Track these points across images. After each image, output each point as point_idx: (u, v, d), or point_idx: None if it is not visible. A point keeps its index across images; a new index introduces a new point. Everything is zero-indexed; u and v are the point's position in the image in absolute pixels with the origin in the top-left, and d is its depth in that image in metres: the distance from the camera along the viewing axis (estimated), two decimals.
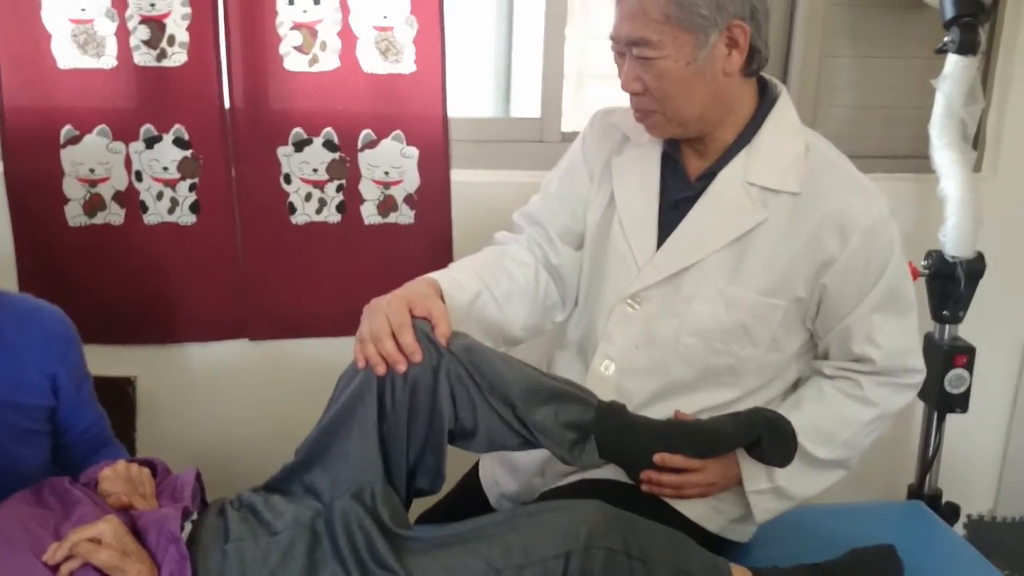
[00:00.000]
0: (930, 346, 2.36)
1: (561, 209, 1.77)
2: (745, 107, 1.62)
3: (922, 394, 2.39)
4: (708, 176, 1.63)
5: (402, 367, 1.46)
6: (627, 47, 1.53)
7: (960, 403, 2.34)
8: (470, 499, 1.84)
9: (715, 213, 1.62)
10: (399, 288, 1.56)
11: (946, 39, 2.18)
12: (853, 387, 1.67)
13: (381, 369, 1.46)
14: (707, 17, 1.48)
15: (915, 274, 2.28)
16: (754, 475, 1.64)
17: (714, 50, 1.51)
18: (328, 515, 1.46)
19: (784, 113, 1.64)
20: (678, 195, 1.65)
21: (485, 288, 1.66)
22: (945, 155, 2.25)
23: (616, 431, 1.55)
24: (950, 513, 2.42)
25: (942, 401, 2.34)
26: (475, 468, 1.92)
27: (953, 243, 2.25)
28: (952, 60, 2.19)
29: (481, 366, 1.50)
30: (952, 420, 2.39)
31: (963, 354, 2.31)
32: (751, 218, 1.59)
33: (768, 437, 1.55)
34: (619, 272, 1.68)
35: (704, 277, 1.62)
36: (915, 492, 2.44)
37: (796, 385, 1.74)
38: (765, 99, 1.63)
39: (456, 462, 1.78)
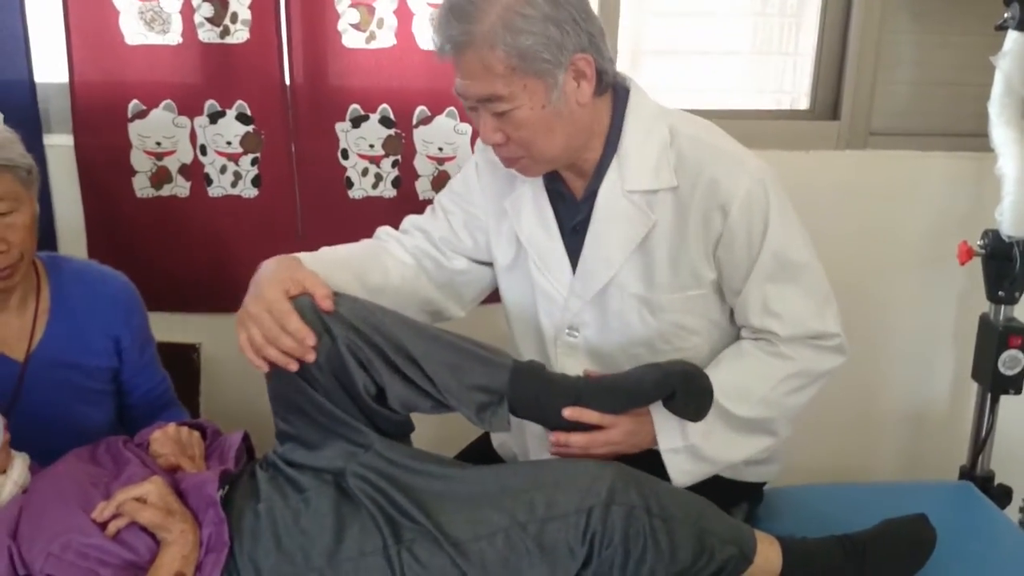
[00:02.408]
0: (985, 327, 2.33)
1: (460, 230, 1.79)
2: (603, 120, 1.62)
3: (976, 375, 2.37)
4: (592, 195, 1.64)
5: (310, 357, 1.45)
6: (479, 103, 1.52)
7: (1014, 384, 2.29)
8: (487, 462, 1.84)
9: (609, 229, 1.63)
10: (259, 275, 1.53)
11: (1006, 15, 2.13)
12: (768, 345, 1.65)
13: (293, 366, 1.46)
14: (551, 60, 1.48)
15: (971, 254, 2.26)
16: (668, 434, 1.61)
17: (564, 87, 1.51)
18: (344, 477, 1.51)
19: (639, 107, 1.63)
20: (572, 220, 1.67)
21: (354, 278, 1.64)
22: (1004, 133, 2.20)
23: (529, 391, 1.53)
24: (1002, 495, 2.38)
25: (996, 382, 2.29)
26: (486, 436, 1.96)
27: (1010, 222, 2.20)
28: (1012, 37, 2.14)
29: (380, 327, 1.49)
30: (1009, 402, 2.36)
31: (1018, 335, 2.26)
32: (642, 225, 1.61)
33: (682, 389, 1.52)
34: (549, 307, 1.71)
35: (623, 290, 1.64)
36: (967, 473, 2.41)
37: None
38: (618, 101, 1.62)
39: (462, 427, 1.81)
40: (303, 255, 1.60)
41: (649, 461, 1.61)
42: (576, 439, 1.55)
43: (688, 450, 1.62)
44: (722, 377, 1.60)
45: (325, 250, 1.69)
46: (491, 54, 1.47)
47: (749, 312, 1.64)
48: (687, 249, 1.61)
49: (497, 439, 1.93)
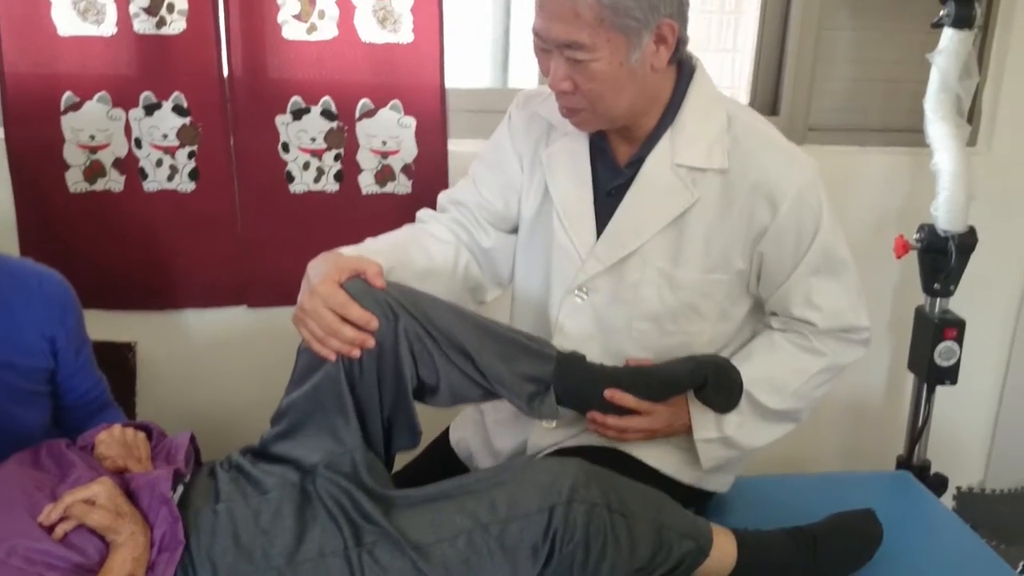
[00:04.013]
0: (921, 319, 2.38)
1: (492, 196, 1.78)
2: (666, 90, 1.62)
3: (912, 366, 2.42)
4: (637, 162, 1.64)
5: (371, 343, 1.48)
6: (557, 48, 1.51)
7: (950, 375, 2.35)
8: (443, 464, 1.85)
9: (648, 198, 1.63)
10: (307, 274, 1.54)
11: (942, 13, 2.19)
12: (801, 339, 1.70)
13: (356, 353, 1.48)
14: (640, 19, 1.47)
15: (907, 248, 2.30)
16: (703, 424, 1.67)
17: (645, 49, 1.51)
18: (313, 478, 1.49)
19: (702, 86, 1.64)
20: (610, 183, 1.67)
21: (399, 264, 1.65)
22: (939, 129, 2.25)
23: (573, 379, 1.58)
24: (938, 484, 2.44)
25: (932, 373, 2.35)
26: (445, 436, 1.95)
27: (945, 217, 2.26)
28: (948, 34, 2.19)
29: (434, 319, 1.52)
30: (943, 393, 2.41)
31: (953, 327, 2.32)
32: (684, 199, 1.61)
33: (713, 380, 1.58)
34: (564, 264, 1.70)
35: (646, 262, 1.64)
36: (904, 463, 2.46)
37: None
38: (682, 75, 1.63)
39: (424, 425, 1.80)
40: (344, 249, 1.62)
41: (612, 458, 1.63)
42: (612, 420, 1.61)
43: (721, 440, 1.68)
44: (756, 370, 1.65)
45: (367, 241, 1.70)
46: (584, 1, 1.45)
47: (791, 303, 1.67)
48: (724, 233, 1.62)
49: (455, 435, 1.92)
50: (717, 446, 1.69)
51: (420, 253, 1.71)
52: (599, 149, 1.69)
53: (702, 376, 1.58)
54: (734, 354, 1.73)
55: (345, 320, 1.47)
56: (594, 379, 1.59)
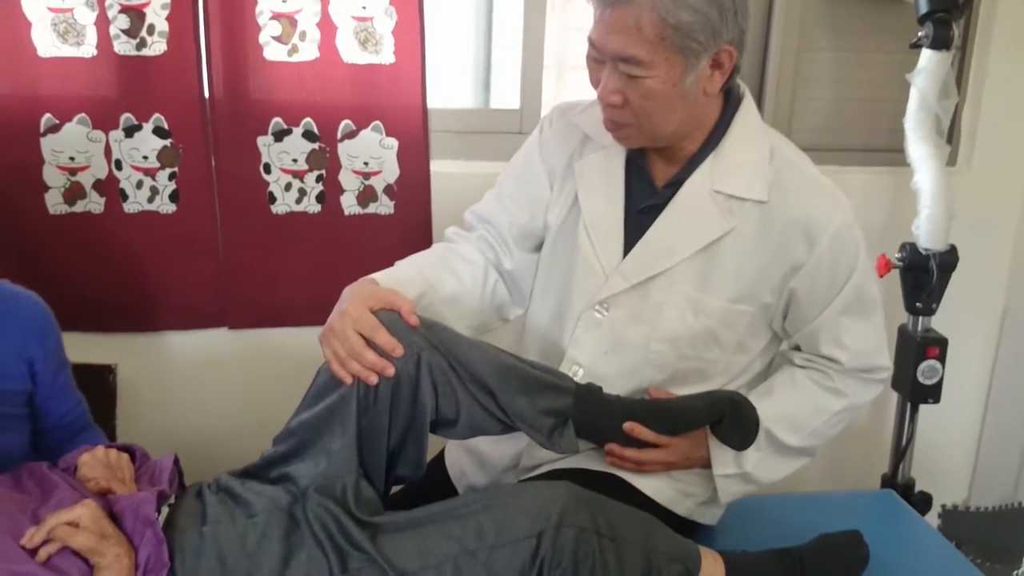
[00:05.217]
0: (903, 337, 2.39)
1: (517, 211, 1.76)
2: (712, 115, 1.62)
3: (895, 385, 2.42)
4: (675, 183, 1.63)
5: (390, 371, 1.47)
6: (612, 60, 1.50)
7: (933, 394, 2.36)
8: (436, 486, 1.84)
9: (683, 221, 1.62)
10: (342, 297, 1.56)
11: (920, 34, 2.20)
12: (823, 377, 1.70)
13: (374, 379, 1.48)
14: (702, 43, 1.47)
15: (889, 266, 2.31)
16: (723, 460, 1.67)
17: (700, 72, 1.50)
18: (303, 502, 1.48)
19: (748, 115, 1.63)
20: (644, 202, 1.65)
21: (430, 288, 1.65)
22: (919, 149, 2.27)
23: (591, 411, 1.57)
24: (922, 502, 2.44)
25: (915, 392, 2.36)
26: (440, 456, 1.93)
27: (926, 235, 2.27)
28: (926, 55, 2.21)
29: (460, 356, 1.51)
30: (927, 411, 2.42)
31: (936, 345, 2.33)
32: (719, 227, 1.60)
33: (729, 417, 1.58)
34: (586, 278, 1.68)
35: (673, 285, 1.62)
36: (888, 481, 2.46)
37: (760, 377, 1.76)
38: (729, 102, 1.63)
39: None
40: (377, 275, 1.63)
41: (605, 482, 1.62)
42: (630, 453, 1.61)
43: (740, 476, 1.68)
44: (777, 407, 1.66)
45: (398, 265, 1.70)
46: (648, 17, 1.44)
47: (820, 341, 1.67)
48: (756, 265, 1.61)
49: (451, 456, 1.91)
50: (736, 481, 1.69)
51: (450, 276, 1.71)
52: (636, 167, 1.67)
53: (718, 412, 1.57)
54: (747, 385, 1.73)
55: (370, 345, 1.47)
56: (612, 412, 1.59)
